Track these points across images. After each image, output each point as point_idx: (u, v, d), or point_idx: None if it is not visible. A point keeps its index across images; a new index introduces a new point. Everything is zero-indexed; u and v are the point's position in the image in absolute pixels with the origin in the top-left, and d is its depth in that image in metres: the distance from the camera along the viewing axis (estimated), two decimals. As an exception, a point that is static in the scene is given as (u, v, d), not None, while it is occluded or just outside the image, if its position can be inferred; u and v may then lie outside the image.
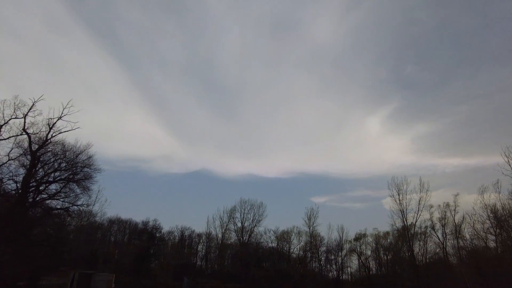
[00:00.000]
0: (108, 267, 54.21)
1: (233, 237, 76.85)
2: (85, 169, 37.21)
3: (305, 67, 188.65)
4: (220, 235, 76.70)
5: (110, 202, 62.49)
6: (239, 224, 75.67)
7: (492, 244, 53.41)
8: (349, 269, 75.62)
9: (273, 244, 77.82)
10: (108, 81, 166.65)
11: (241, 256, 70.87)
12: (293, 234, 76.86)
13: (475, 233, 55.85)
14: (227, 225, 76.55)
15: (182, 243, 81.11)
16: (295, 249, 76.45)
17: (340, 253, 74.45)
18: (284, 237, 77.60)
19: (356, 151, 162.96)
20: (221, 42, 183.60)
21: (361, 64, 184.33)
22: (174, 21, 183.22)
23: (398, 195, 63.95)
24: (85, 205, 38.33)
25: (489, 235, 53.80)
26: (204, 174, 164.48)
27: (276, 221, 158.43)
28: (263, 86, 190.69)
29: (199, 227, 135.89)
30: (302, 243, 75.72)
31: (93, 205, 49.73)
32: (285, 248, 77.17)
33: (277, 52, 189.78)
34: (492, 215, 53.47)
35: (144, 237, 70.60)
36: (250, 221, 75.49)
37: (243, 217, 75.87)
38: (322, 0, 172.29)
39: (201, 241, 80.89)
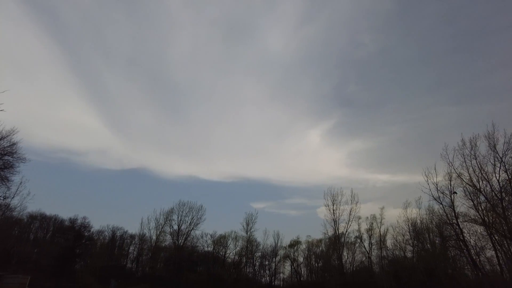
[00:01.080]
0: (23, 268, 48.97)
1: (168, 240, 74.45)
2: (6, 157, 33.53)
3: (255, 75, 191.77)
4: (154, 237, 73.81)
5: (34, 196, 56.36)
6: (176, 227, 73.59)
7: (409, 254, 58.76)
8: (281, 275, 77.58)
9: (209, 248, 77.02)
10: (43, 62, 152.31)
11: (175, 259, 68.91)
12: (230, 239, 76.92)
13: (397, 244, 61.11)
14: (162, 227, 73.92)
15: (112, 243, 76.46)
16: (231, 254, 76.52)
17: (274, 259, 76.20)
18: (221, 241, 77.21)
19: (297, 161, 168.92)
20: (173, 39, 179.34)
21: (308, 78, 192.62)
22: (124, 9, 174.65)
23: (333, 205, 67.53)
24: (2, 197, 34.45)
25: (408, 246, 59.23)
26: (142, 172, 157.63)
27: (215, 225, 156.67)
28: (213, 88, 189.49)
29: (133, 228, 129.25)
30: (238, 248, 76.06)
31: (12, 198, 44.65)
32: (221, 253, 76.81)
33: (229, 56, 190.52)
34: (412, 228, 58.98)
35: (70, 235, 65.22)
36: (188, 224, 73.78)
37: (181, 220, 73.88)
38: (277, 12, 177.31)
39: (133, 242, 77.09)
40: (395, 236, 61.92)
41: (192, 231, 73.87)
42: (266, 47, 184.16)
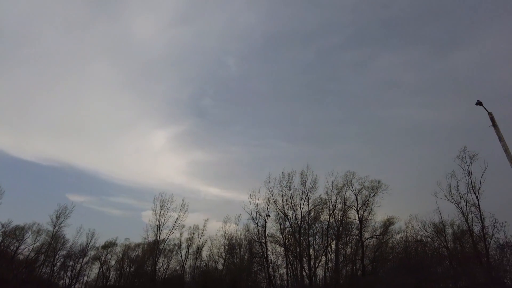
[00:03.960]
0: None
1: None
2: None
3: (111, 55, 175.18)
4: None
5: None
6: (-49, 208, 56.63)
7: (220, 266, 63.46)
8: (86, 278, 70.01)
9: (-4, 241, 62.21)
10: None
11: None
12: (30, 232, 64.38)
13: (211, 255, 65.12)
14: None
15: None
16: (26, 250, 63.99)
17: (81, 260, 68.18)
18: (15, 233, 63.63)
19: (135, 158, 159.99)
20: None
21: (168, 78, 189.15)
22: None
23: (161, 210, 66.34)
24: None
25: (221, 259, 63.95)
26: None
27: (14, 213, 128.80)
28: (53, 49, 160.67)
29: None
30: (38, 244, 64.33)
31: None
32: (12, 247, 63.28)
33: (88, 23, 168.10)
34: (227, 242, 64.20)
35: None
36: (-28, 207, 57.95)
37: (-38, 200, 57.36)
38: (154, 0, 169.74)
39: None
40: (211, 248, 65.96)
41: (-23, 216, 58.46)
42: (133, 32, 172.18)
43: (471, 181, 40.18)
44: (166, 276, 67.03)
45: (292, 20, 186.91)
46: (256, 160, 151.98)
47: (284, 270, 53.92)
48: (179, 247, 69.65)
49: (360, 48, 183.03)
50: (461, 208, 40.62)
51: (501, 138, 18.37)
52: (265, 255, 54.37)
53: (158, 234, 65.58)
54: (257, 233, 56.20)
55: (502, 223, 36.66)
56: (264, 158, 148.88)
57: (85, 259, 68.59)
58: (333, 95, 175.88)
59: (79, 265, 67.91)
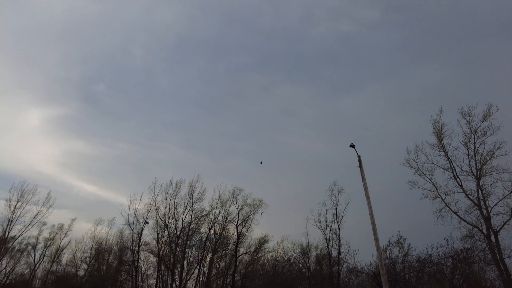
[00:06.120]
0: None
1: None
2: None
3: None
4: None
5: None
6: None
7: (82, 272, 56.80)
8: None
9: None
10: None
11: None
12: None
13: (73, 260, 57.85)
14: None
15: None
16: None
17: None
18: None
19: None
20: None
21: (61, 51, 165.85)
22: None
23: (17, 202, 56.09)
24: None
25: (84, 264, 57.33)
26: None
27: None
28: None
29: None
30: None
31: None
32: None
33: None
34: (95, 247, 58.07)
35: None
36: None
37: None
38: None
39: None
40: (74, 252, 58.74)
41: None
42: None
43: (336, 212, 46.08)
44: (8, 282, 56.53)
45: (208, 30, 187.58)
46: (144, 162, 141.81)
47: (154, 281, 51.65)
48: (34, 247, 59.79)
49: (266, 73, 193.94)
50: (326, 235, 46.06)
51: (363, 178, 21.18)
52: (136, 264, 51.13)
53: (8, 229, 54.98)
54: (131, 240, 52.57)
55: (355, 250, 43.06)
56: (154, 161, 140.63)
57: None
58: (235, 111, 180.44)
59: None
